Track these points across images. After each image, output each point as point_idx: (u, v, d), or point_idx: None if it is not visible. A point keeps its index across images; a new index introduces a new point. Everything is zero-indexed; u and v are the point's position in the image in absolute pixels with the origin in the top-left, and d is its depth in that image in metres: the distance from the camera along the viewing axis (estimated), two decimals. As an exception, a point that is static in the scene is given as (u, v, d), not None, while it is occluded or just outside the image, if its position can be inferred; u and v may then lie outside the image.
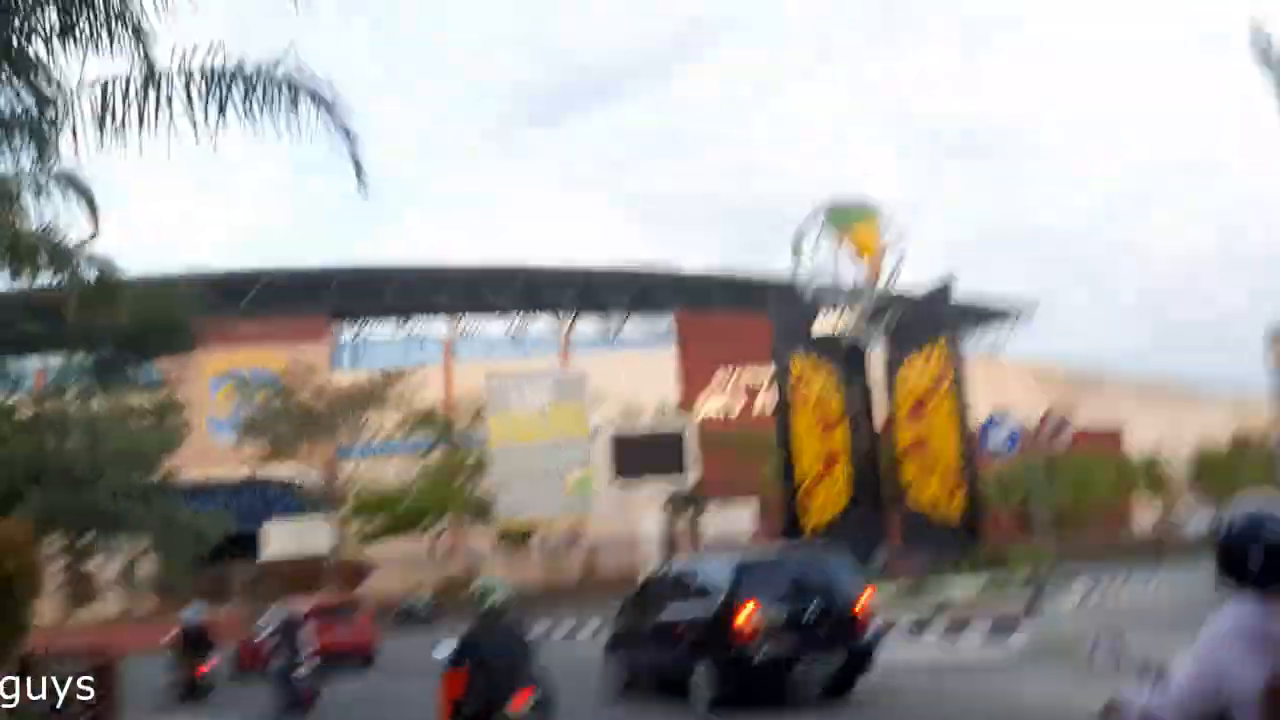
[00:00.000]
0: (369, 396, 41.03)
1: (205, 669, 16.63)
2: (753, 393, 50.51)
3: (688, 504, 42.33)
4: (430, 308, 55.72)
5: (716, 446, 42.03)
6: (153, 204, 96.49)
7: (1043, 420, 17.82)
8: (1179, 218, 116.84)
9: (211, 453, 41.80)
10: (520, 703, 7.14)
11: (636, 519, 39.58)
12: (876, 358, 25.40)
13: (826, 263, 24.29)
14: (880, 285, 23.97)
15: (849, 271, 24.15)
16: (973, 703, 10.01)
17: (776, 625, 10.58)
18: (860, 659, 10.96)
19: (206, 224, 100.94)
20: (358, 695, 15.87)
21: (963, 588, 20.41)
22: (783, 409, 23.78)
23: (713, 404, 49.97)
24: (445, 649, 7.80)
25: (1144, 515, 50.46)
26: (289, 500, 41.52)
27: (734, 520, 39.90)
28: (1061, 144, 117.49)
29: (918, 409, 23.07)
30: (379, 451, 42.01)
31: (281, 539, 38.48)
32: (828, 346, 23.65)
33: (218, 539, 16.42)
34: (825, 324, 23.81)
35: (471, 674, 7.46)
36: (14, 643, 6.95)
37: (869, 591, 11.23)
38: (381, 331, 60.01)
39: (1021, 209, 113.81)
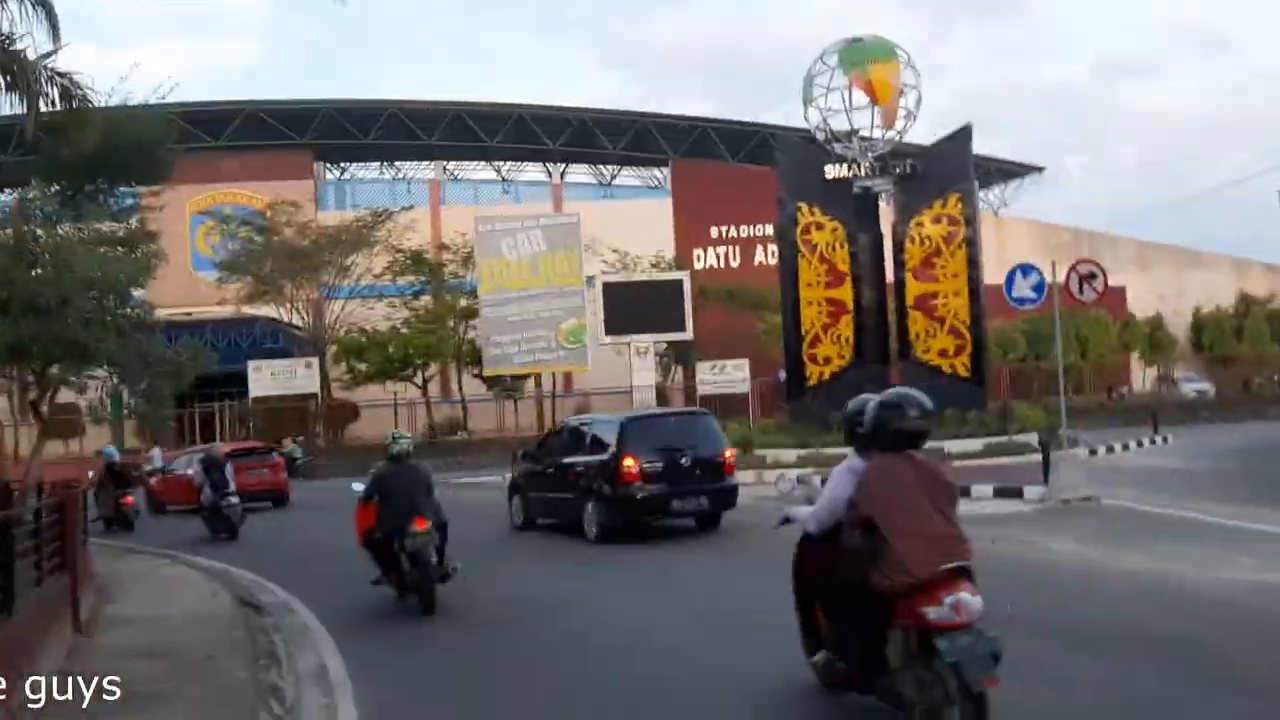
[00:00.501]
0: (355, 236, 39.91)
1: (129, 501, 18.38)
2: (750, 245, 49.57)
3: (682, 357, 41.91)
4: (418, 150, 53.86)
5: (712, 300, 41.41)
6: (125, 37, 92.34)
7: (1072, 269, 17.00)
8: (1187, 83, 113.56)
9: (195, 290, 40.93)
10: (419, 526, 8.85)
11: (629, 371, 39.10)
12: (887, 209, 24.43)
13: (838, 106, 22.91)
14: (895, 131, 22.69)
15: (861, 116, 22.84)
16: (1002, 554, 9.60)
17: (654, 471, 12.63)
18: (723, 497, 13.10)
19: (185, 60, 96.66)
20: (272, 526, 18.15)
21: (965, 445, 20.04)
22: (788, 260, 22.86)
23: (709, 256, 48.97)
24: (359, 486, 9.64)
25: (1141, 377, 50.52)
26: (275, 340, 40.86)
27: (729, 375, 39.38)
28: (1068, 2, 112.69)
29: (928, 262, 22.22)
30: (366, 294, 41.17)
31: (268, 379, 38.02)
32: (837, 196, 22.54)
33: (195, 373, 15.65)
34: (834, 172, 22.61)
35: (380, 506, 9.22)
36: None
37: (730, 450, 13.75)
38: (367, 173, 58.38)
39: (1027, 68, 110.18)
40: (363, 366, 38.77)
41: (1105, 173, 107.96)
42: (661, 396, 40.17)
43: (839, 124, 22.81)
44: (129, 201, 19.59)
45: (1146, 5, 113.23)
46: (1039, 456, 19.88)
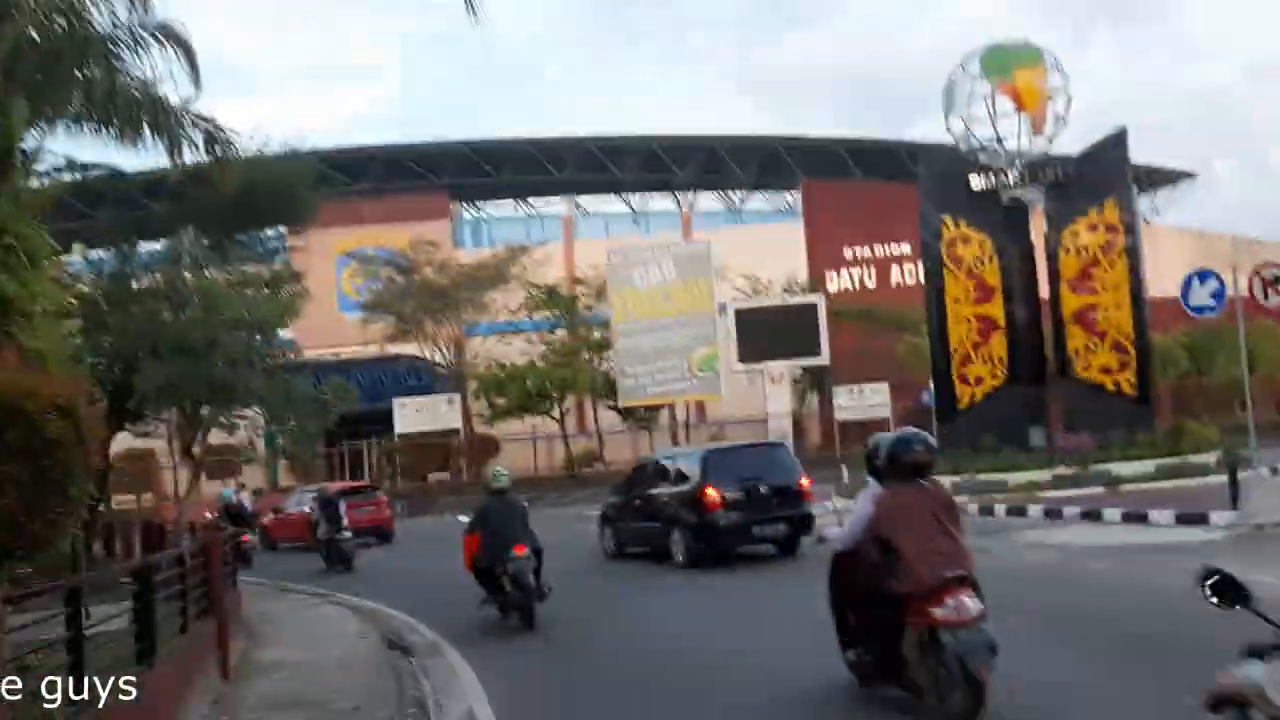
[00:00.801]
0: (492, 273, 40.54)
1: (246, 539, 18.24)
2: (885, 265, 48.13)
3: (818, 383, 40.88)
4: (550, 184, 54.59)
5: (848, 323, 40.27)
6: (254, 87, 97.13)
7: (1256, 272, 15.55)
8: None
9: (341, 331, 42.31)
10: (519, 551, 10.00)
11: (764, 399, 38.33)
12: (1038, 219, 23.12)
13: (981, 115, 21.87)
14: (1044, 137, 21.48)
15: (1008, 124, 21.72)
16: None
17: (734, 499, 13.52)
18: (800, 523, 13.62)
19: (318, 107, 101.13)
20: (382, 559, 19.19)
21: (1135, 468, 18.60)
22: (934, 277, 21.86)
23: (843, 279, 47.71)
24: (464, 519, 10.97)
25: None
26: (417, 378, 41.81)
27: (868, 400, 38.17)
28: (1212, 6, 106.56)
29: (1086, 274, 20.88)
30: (503, 330, 41.73)
31: (411, 416, 38.86)
32: (983, 208, 21.47)
33: (340, 410, 15.87)
34: (980, 183, 21.54)
35: (482, 536, 10.37)
36: (60, 515, 6.26)
37: (807, 479, 14.24)
38: (502, 210, 59.51)
39: (1170, 72, 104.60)
40: (502, 401, 39.22)
41: (1258, 177, 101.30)
42: (797, 424, 39.25)
43: (983, 133, 21.76)
44: (274, 245, 20.20)
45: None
46: (1217, 479, 18.42)
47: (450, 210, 51.54)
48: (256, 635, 10.74)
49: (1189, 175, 57.18)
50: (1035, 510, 16.66)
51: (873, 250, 48.27)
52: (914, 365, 38.92)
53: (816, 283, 44.59)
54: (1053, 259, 21.31)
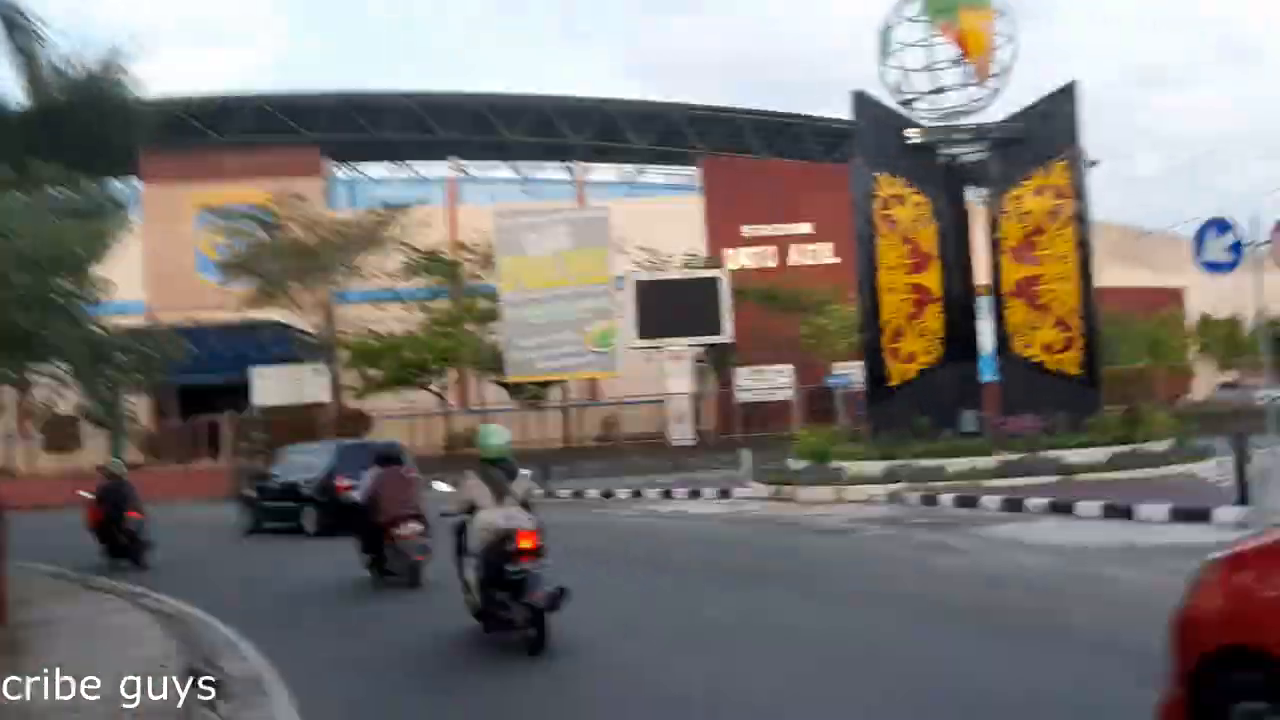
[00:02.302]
0: (367, 234, 36.90)
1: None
2: (785, 245, 46.41)
3: (719, 363, 38.74)
4: (433, 147, 50.95)
5: (749, 303, 38.26)
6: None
7: (1278, 227, 13.76)
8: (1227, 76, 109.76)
9: (200, 296, 38.25)
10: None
11: (660, 377, 36.02)
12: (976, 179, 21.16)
13: (919, 63, 19.78)
14: (989, 89, 19.50)
15: (950, 74, 19.68)
16: None
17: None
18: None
19: (193, 68, 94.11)
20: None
21: (1088, 456, 16.82)
22: (865, 240, 19.66)
23: (742, 257, 45.69)
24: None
25: (1202, 381, 46.98)
26: (282, 346, 37.88)
27: (771, 382, 36.24)
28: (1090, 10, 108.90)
29: (1029, 242, 19.04)
30: (379, 297, 38.20)
31: (275, 387, 35.11)
32: (921, 166, 19.40)
33: (166, 366, 12.64)
34: (918, 137, 19.47)
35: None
36: None
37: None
38: (380, 172, 55.54)
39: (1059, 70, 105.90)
40: (375, 373, 35.81)
41: (1134, 178, 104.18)
42: (696, 404, 37.16)
43: (920, 84, 19.66)
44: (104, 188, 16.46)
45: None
46: (1177, 468, 16.81)
47: (323, 168, 47.31)
48: (19, 651, 7.71)
49: (1094, 163, 57.15)
50: (991, 501, 14.69)
51: (773, 229, 46.62)
52: (818, 347, 37.32)
53: (716, 260, 42.54)
54: (994, 225, 19.39)
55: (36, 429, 36.07)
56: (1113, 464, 16.59)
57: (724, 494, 20.11)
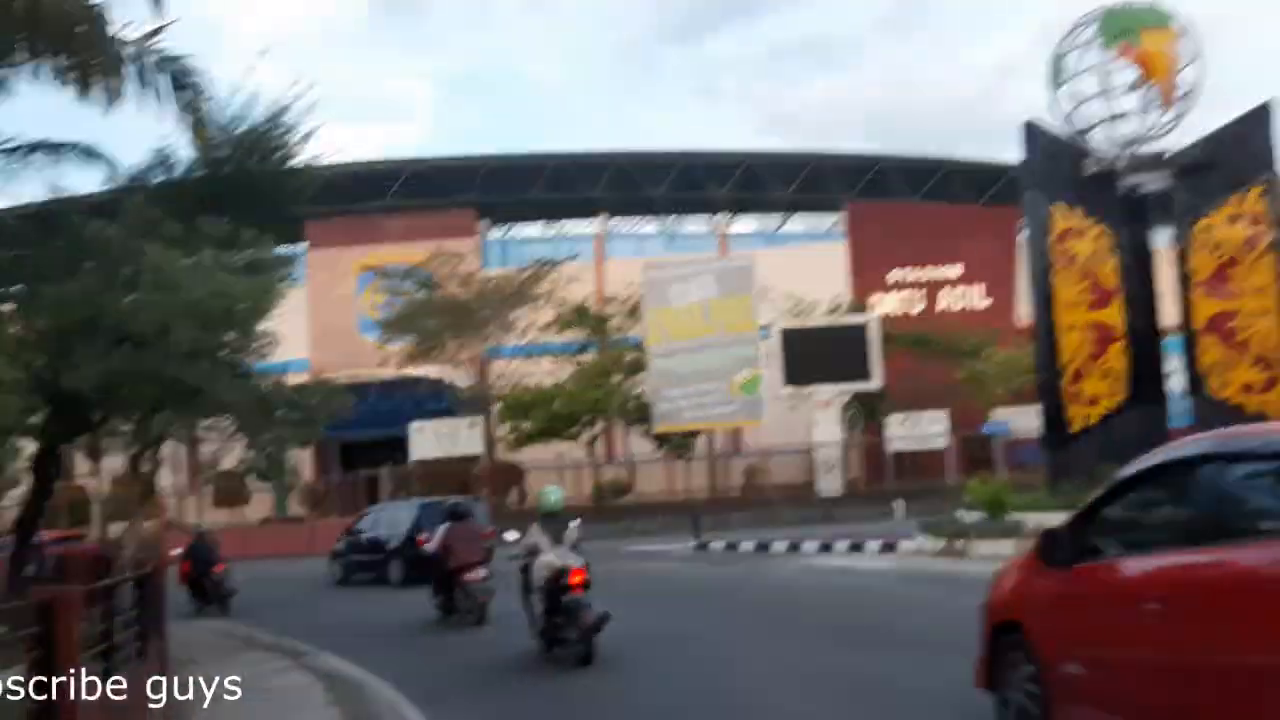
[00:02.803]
0: (519, 291, 37.65)
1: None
2: (934, 289, 45.12)
3: (867, 410, 37.66)
4: (580, 204, 51.85)
5: (898, 349, 37.19)
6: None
7: None
8: None
9: (361, 354, 39.67)
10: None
11: (807, 426, 35.25)
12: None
13: (1094, 89, 18.84)
14: (1172, 114, 18.40)
15: (1129, 99, 18.66)
16: None
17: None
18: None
19: (351, 143, 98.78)
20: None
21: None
22: (1040, 276, 18.69)
23: (888, 302, 44.58)
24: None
25: None
26: (438, 401, 38.94)
27: (924, 430, 35.00)
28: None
29: (1223, 274, 17.72)
30: (530, 351, 38.84)
31: (430, 440, 36.03)
32: (1100, 196, 18.37)
33: (328, 420, 12.70)
34: (1096, 167, 18.47)
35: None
36: None
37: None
38: (530, 230, 56.83)
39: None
40: (527, 425, 36.23)
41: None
42: (844, 453, 36.20)
43: (1098, 110, 18.71)
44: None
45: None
46: None
47: (477, 228, 48.85)
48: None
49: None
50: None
51: (921, 273, 45.44)
52: (974, 393, 35.86)
53: (861, 305, 41.65)
54: (1182, 258, 18.14)
55: (206, 483, 37.80)
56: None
57: (888, 547, 19.17)
